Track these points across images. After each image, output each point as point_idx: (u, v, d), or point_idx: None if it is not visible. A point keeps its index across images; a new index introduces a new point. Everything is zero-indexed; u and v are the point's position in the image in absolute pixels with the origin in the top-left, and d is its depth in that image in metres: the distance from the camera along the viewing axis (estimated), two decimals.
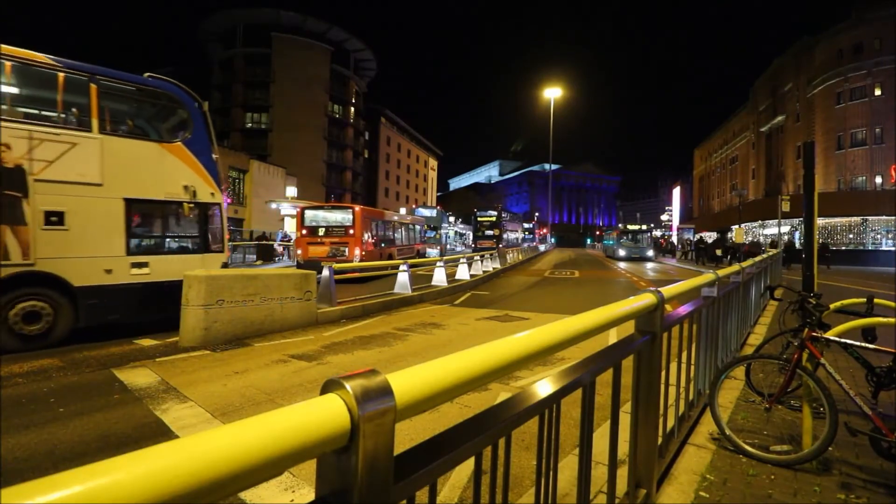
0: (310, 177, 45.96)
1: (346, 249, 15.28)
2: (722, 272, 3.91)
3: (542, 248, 47.36)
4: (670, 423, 2.71)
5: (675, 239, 49.46)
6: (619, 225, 40.97)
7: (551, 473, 1.36)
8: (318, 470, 0.76)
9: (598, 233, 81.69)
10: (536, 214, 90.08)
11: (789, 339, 3.52)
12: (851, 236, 29.57)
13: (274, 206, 27.37)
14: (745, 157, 46.90)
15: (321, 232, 15.69)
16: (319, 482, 0.77)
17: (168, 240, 7.77)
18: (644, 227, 35.84)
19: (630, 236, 32.25)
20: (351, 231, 15.44)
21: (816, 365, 2.75)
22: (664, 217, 74.41)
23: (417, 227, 24.69)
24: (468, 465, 2.31)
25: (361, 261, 14.98)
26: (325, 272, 8.99)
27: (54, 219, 6.30)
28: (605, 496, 1.81)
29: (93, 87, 6.70)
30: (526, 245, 44.04)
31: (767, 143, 41.68)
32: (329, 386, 0.74)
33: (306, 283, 7.72)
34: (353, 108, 54.60)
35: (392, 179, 63.41)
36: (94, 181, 6.64)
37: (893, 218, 27.04)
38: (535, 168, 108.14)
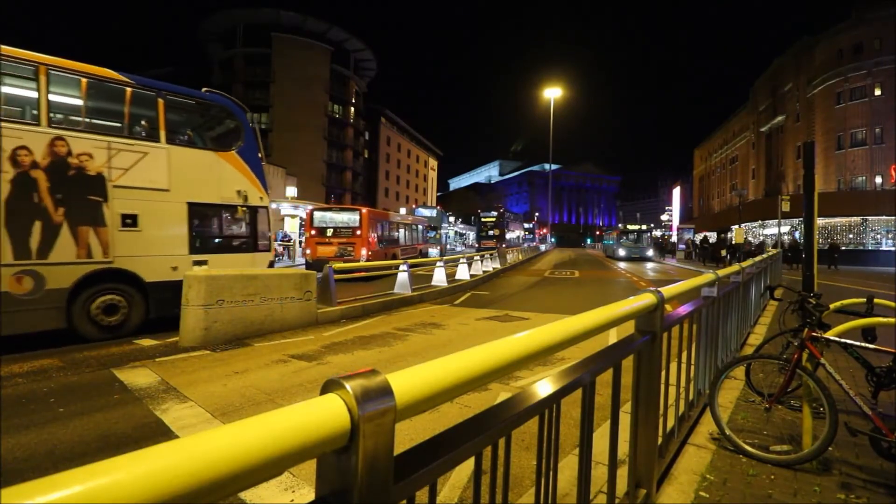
0: (310, 177, 45.90)
1: (353, 249, 15.64)
2: (722, 272, 3.91)
3: (542, 248, 47.41)
4: (670, 423, 2.71)
5: (674, 238, 49.51)
6: (619, 225, 40.99)
7: (551, 473, 1.36)
8: (318, 470, 0.76)
9: (598, 233, 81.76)
10: (536, 214, 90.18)
11: (789, 339, 3.52)
12: (851, 236, 29.56)
13: (274, 206, 27.36)
14: (745, 157, 46.88)
15: (329, 233, 16.13)
16: (319, 482, 0.77)
17: (224, 240, 8.40)
18: (644, 227, 35.87)
19: (630, 236, 32.29)
20: (358, 232, 15.85)
21: (816, 365, 2.75)
22: (664, 217, 74.41)
23: (420, 228, 24.86)
24: (468, 465, 2.31)
25: (368, 260, 15.27)
26: (325, 272, 9.00)
27: (129, 221, 6.96)
28: (605, 496, 1.81)
29: (160, 101, 7.34)
30: (526, 245, 44.10)
31: (767, 143, 41.67)
32: (329, 386, 0.74)
33: (306, 283, 7.74)
34: (353, 108, 54.54)
35: (392, 179, 63.38)
36: (162, 187, 7.34)
37: (893, 218, 27.04)
38: (535, 168, 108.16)
